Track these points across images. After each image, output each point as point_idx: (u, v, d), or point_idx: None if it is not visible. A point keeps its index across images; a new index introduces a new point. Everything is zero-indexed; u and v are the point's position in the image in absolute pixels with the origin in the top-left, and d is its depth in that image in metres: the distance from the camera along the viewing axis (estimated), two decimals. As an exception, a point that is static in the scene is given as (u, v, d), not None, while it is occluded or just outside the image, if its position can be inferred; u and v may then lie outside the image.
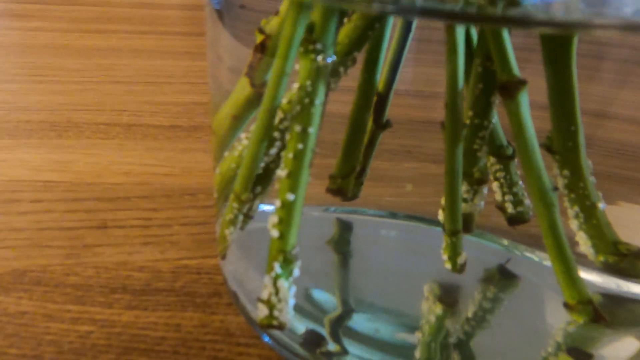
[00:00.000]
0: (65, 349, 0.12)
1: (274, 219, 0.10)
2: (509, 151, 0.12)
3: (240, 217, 0.12)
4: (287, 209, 0.10)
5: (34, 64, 0.32)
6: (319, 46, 0.10)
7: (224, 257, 0.14)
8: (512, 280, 0.14)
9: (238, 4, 0.13)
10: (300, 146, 0.10)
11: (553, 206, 0.10)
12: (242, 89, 0.12)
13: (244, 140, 0.12)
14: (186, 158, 0.22)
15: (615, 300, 0.12)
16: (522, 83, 0.10)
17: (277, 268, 0.10)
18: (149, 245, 0.16)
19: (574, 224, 0.12)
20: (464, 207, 0.12)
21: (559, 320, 0.12)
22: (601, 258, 0.12)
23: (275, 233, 0.10)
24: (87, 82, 0.29)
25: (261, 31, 0.12)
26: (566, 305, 0.11)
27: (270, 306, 0.10)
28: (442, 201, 0.13)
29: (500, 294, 0.14)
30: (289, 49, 0.10)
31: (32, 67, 0.31)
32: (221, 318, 0.14)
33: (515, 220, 0.13)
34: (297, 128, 0.10)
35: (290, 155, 0.10)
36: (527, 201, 0.13)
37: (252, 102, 0.12)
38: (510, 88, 0.10)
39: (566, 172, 0.11)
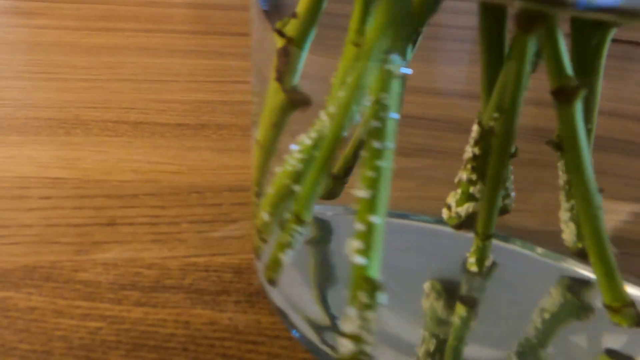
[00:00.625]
0: (75, 345, 0.13)
1: (357, 244, 0.10)
2: (513, 150, 0.12)
3: (300, 239, 0.11)
4: (370, 232, 0.09)
5: (41, 61, 0.32)
6: (395, 57, 0.09)
7: (273, 282, 0.13)
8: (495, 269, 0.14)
9: (290, 13, 0.13)
10: (380, 163, 0.09)
11: (598, 209, 0.10)
12: (274, 94, 0.12)
13: (297, 154, 0.11)
14: (193, 156, 0.22)
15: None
16: (579, 88, 0.10)
17: (364, 298, 0.09)
18: (157, 242, 0.16)
19: (565, 215, 0.12)
20: (472, 205, 0.12)
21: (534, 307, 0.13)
22: (580, 245, 0.12)
23: (359, 260, 0.09)
24: (94, 79, 0.29)
25: (281, 34, 0.12)
26: (608, 308, 0.11)
27: (358, 341, 0.10)
28: (449, 199, 0.13)
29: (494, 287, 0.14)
30: (366, 62, 0.09)
31: (40, 64, 0.32)
32: (230, 316, 0.14)
33: (501, 211, 0.13)
34: (376, 145, 0.09)
35: (371, 174, 0.09)
36: (512, 194, 0.13)
37: (286, 108, 0.12)
38: (568, 93, 0.10)
39: (571, 169, 0.11)
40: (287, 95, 0.12)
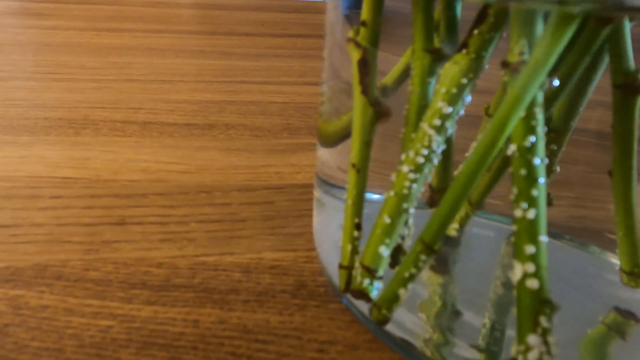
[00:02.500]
0: (86, 343, 0.13)
1: (529, 268, 0.09)
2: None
3: (423, 269, 0.11)
4: (539, 253, 0.09)
5: (50, 62, 0.32)
6: (526, 58, 0.09)
7: (384, 322, 0.12)
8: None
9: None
10: (540, 180, 0.09)
11: (631, 181, 0.11)
12: (363, 110, 0.12)
13: (411, 174, 0.11)
14: (201, 156, 0.22)
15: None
16: None
17: (545, 322, 0.09)
18: (166, 241, 0.16)
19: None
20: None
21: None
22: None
23: (533, 284, 0.09)
24: (103, 80, 0.30)
25: (357, 45, 0.12)
26: (629, 274, 0.11)
27: None
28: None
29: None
30: (529, 81, 0.09)
31: (49, 65, 0.32)
32: (239, 315, 0.14)
33: None
34: (534, 161, 0.09)
35: (534, 192, 0.09)
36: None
37: (374, 122, 0.12)
38: (632, 87, 0.10)
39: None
40: (374, 109, 0.12)
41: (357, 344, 0.13)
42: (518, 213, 0.09)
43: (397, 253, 0.12)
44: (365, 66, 0.12)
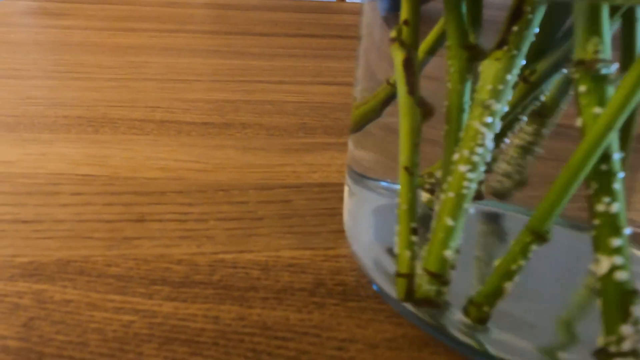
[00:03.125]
0: (109, 337, 0.13)
1: (617, 261, 0.09)
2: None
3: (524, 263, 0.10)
4: (624, 245, 0.10)
5: (68, 61, 0.33)
6: (602, 56, 0.10)
7: (485, 320, 0.11)
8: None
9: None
10: (620, 175, 0.10)
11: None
12: (410, 111, 0.11)
13: (469, 174, 0.11)
14: (219, 154, 0.22)
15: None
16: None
17: (636, 312, 0.10)
18: (185, 239, 0.17)
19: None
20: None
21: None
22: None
23: (622, 276, 0.09)
24: (120, 79, 0.30)
25: (402, 44, 0.12)
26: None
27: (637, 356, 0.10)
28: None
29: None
30: None
31: (67, 64, 0.32)
32: (258, 312, 0.14)
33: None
34: (615, 156, 0.09)
35: (617, 186, 0.09)
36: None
37: (421, 122, 0.12)
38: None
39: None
40: (421, 108, 0.12)
41: (377, 342, 0.13)
42: (600, 207, 0.10)
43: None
44: (411, 66, 0.12)
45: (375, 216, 0.16)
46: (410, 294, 0.12)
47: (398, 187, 0.12)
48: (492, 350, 0.12)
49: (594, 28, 0.10)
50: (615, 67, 0.10)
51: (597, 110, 0.10)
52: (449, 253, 0.11)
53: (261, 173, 0.21)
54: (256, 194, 0.19)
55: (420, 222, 0.12)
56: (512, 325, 0.12)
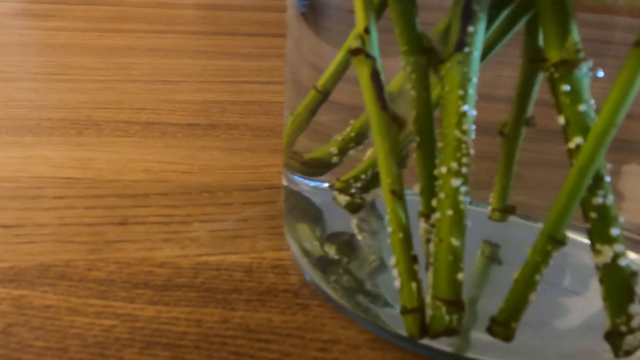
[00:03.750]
0: (89, 343, 0.13)
1: (618, 249, 0.10)
2: None
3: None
4: (621, 234, 0.10)
5: (54, 62, 0.33)
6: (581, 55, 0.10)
7: (512, 337, 0.11)
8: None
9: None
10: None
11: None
12: (387, 129, 0.11)
13: (463, 187, 0.10)
14: (204, 156, 0.22)
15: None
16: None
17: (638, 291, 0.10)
18: (169, 241, 0.17)
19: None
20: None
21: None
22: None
23: (624, 261, 0.10)
24: (106, 80, 0.30)
25: (368, 56, 0.11)
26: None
27: None
28: None
29: None
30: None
31: (52, 65, 0.32)
32: (241, 314, 0.14)
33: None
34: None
35: (608, 179, 0.10)
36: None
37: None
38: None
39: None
40: (396, 124, 0.11)
41: (360, 343, 0.13)
42: (597, 201, 0.10)
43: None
44: (379, 79, 0.11)
45: (302, 215, 0.16)
46: (424, 329, 0.11)
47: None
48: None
49: (567, 28, 0.10)
50: (590, 63, 0.10)
51: (582, 107, 0.10)
52: (460, 276, 0.11)
53: (247, 174, 0.21)
54: (241, 195, 0.19)
55: (343, 243, 0.13)
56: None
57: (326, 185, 0.15)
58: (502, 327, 0.11)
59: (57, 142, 0.22)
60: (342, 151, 0.14)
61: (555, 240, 0.10)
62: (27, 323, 0.13)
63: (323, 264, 0.15)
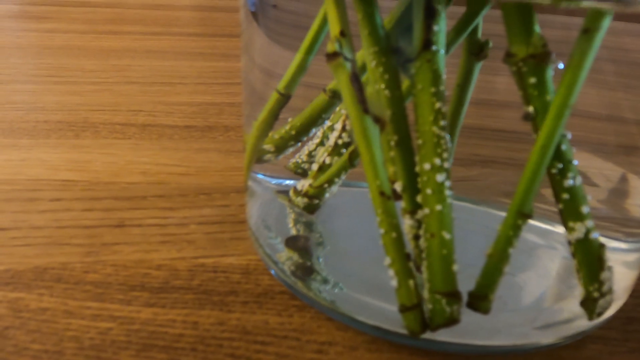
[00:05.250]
0: (86, 345, 0.13)
1: (589, 224, 0.11)
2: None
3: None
4: (589, 211, 0.11)
5: (50, 65, 0.33)
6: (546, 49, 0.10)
7: (489, 309, 0.11)
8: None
9: (271, 4, 0.13)
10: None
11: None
12: (370, 131, 0.11)
13: (447, 182, 0.11)
14: (201, 158, 0.22)
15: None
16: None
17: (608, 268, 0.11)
18: (166, 243, 0.17)
19: None
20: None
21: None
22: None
23: (595, 235, 0.11)
24: (102, 82, 0.30)
25: (346, 59, 0.11)
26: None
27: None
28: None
29: None
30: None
31: (49, 67, 0.32)
32: (238, 316, 0.14)
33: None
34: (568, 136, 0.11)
35: (576, 162, 0.11)
36: None
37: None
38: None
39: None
40: (378, 125, 0.11)
41: (356, 344, 0.13)
42: (568, 183, 0.11)
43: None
44: (359, 82, 0.11)
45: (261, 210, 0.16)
46: (425, 324, 0.11)
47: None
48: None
49: (531, 24, 0.10)
50: (553, 55, 0.10)
51: (549, 97, 0.10)
52: (455, 267, 0.11)
53: (244, 176, 0.21)
54: (238, 197, 0.19)
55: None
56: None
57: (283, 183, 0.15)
58: (482, 301, 0.11)
59: (53, 145, 0.22)
60: (279, 149, 0.14)
61: (523, 214, 0.11)
62: (23, 326, 0.13)
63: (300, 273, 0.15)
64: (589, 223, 0.11)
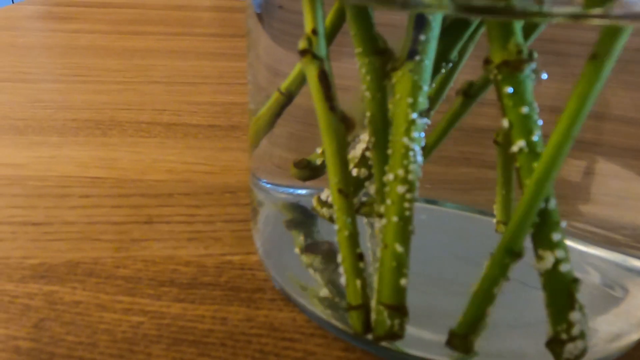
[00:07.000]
0: (118, 338, 0.13)
1: (559, 254, 0.10)
2: None
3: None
4: (563, 239, 0.10)
5: (76, 64, 0.33)
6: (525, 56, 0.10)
7: (471, 350, 0.11)
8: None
9: (277, 4, 0.13)
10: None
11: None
12: (335, 129, 0.11)
13: (408, 194, 0.10)
14: (225, 157, 0.22)
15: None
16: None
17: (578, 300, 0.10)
18: (193, 240, 0.17)
19: None
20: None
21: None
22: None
23: (565, 267, 0.10)
24: (127, 82, 0.30)
25: (314, 56, 0.11)
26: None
27: (583, 338, 0.10)
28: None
29: None
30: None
31: (75, 67, 0.33)
32: (265, 313, 0.14)
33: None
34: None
35: (551, 184, 0.10)
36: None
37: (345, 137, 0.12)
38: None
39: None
40: (344, 124, 0.11)
41: (383, 343, 0.13)
42: (539, 205, 0.10)
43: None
44: (327, 79, 0.11)
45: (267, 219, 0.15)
46: (368, 326, 0.11)
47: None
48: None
49: (510, 29, 0.10)
50: (534, 65, 0.10)
51: (525, 109, 0.10)
52: (404, 282, 0.10)
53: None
54: (263, 196, 0.19)
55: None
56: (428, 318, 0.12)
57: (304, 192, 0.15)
58: (461, 340, 0.11)
59: (82, 142, 0.23)
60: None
61: (513, 253, 0.10)
62: (58, 318, 0.14)
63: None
64: (560, 253, 0.10)
